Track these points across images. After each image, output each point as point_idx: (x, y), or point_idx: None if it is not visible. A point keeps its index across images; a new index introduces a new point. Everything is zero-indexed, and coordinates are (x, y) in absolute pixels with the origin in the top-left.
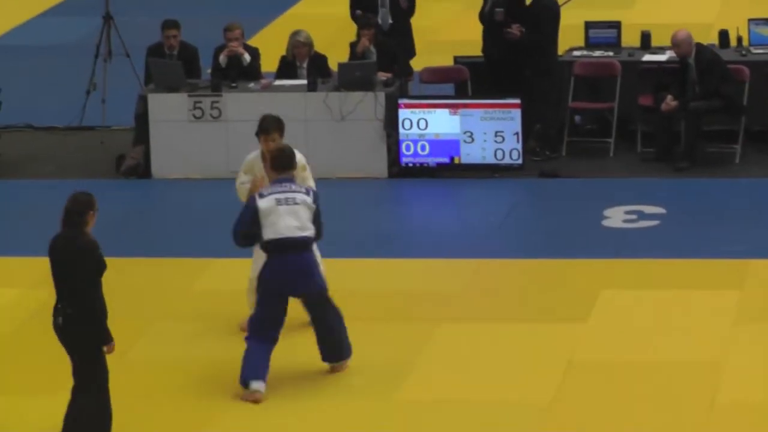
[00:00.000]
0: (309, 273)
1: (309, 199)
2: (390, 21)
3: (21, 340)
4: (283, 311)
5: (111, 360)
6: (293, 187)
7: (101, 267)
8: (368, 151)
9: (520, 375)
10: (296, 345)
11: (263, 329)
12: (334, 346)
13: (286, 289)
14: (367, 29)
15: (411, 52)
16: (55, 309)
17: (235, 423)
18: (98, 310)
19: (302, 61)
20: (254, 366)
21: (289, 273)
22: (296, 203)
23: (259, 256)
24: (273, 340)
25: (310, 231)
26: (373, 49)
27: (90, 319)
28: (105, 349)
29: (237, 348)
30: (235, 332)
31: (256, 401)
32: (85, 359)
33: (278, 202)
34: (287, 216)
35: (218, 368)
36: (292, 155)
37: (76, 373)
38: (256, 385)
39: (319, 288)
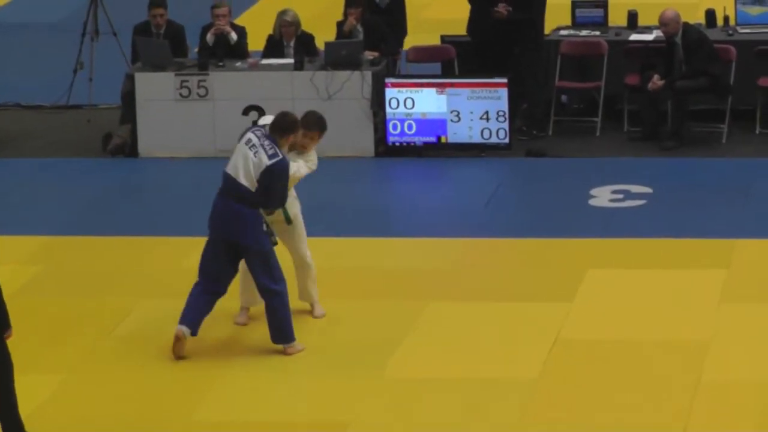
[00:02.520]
0: (242, 222)
1: (267, 162)
2: None
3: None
4: (227, 263)
5: (96, 339)
6: (267, 143)
7: None
8: (355, 130)
9: (506, 353)
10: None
11: (203, 275)
12: (274, 327)
13: (220, 231)
14: (354, 8)
15: (403, 31)
16: None
17: (221, 401)
18: None
19: (289, 40)
20: (184, 311)
21: (223, 214)
22: (255, 155)
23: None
24: (212, 293)
25: (249, 185)
26: (360, 27)
27: None
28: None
29: (224, 326)
30: (221, 310)
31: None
32: None
33: (246, 142)
34: (239, 156)
35: (205, 345)
36: (290, 124)
37: None
38: (178, 328)
39: (252, 243)
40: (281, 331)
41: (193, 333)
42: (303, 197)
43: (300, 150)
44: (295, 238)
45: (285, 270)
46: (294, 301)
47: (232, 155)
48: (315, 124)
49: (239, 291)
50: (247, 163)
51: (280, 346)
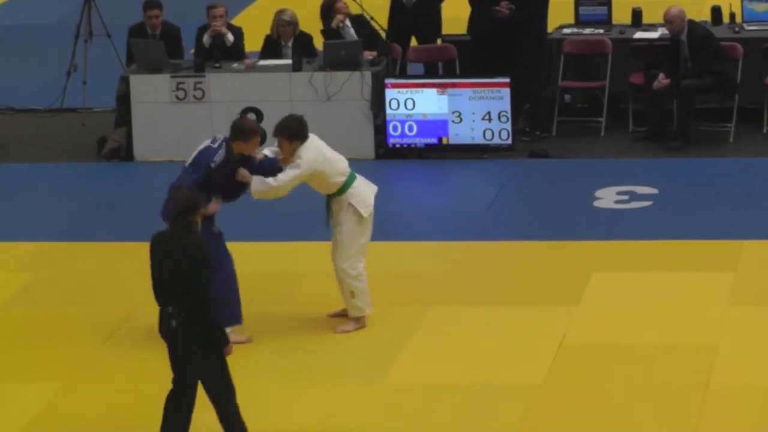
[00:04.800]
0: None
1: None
2: None
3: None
4: None
5: (93, 346)
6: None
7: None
8: (355, 132)
9: (510, 358)
10: (286, 329)
11: None
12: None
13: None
14: (341, 2)
15: (434, 32)
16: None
17: None
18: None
19: (287, 40)
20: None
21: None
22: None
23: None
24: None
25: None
26: (348, 23)
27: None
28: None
29: None
30: None
31: None
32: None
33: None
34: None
35: None
36: (248, 130)
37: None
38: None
39: None
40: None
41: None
42: (301, 200)
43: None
44: (335, 247)
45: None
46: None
47: None
48: (276, 128)
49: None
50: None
51: (282, 356)
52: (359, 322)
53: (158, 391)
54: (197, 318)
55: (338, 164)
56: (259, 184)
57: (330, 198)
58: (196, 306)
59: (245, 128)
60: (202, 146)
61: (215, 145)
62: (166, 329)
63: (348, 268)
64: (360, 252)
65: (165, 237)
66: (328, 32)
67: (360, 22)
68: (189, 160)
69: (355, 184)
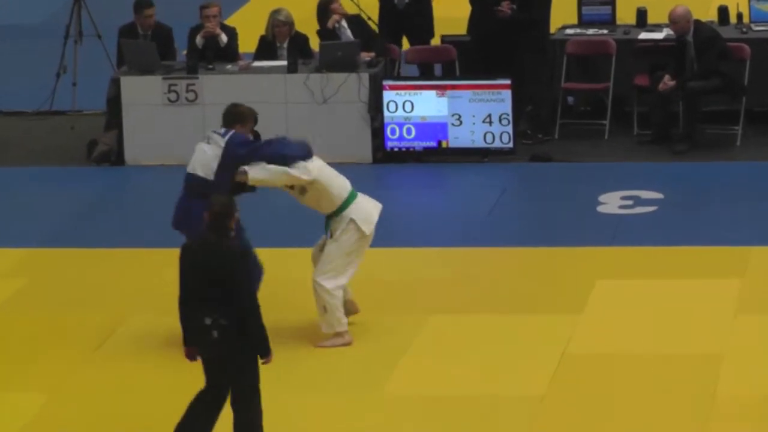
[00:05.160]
0: (187, 214)
1: (221, 140)
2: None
3: None
4: None
5: (82, 356)
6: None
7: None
8: (352, 135)
9: (512, 368)
10: (283, 338)
11: None
12: None
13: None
14: (336, 2)
15: (426, 34)
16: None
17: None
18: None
19: (282, 41)
20: None
21: (176, 209)
22: (209, 141)
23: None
24: None
25: (202, 171)
26: (344, 24)
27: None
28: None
29: None
30: None
31: None
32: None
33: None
34: (197, 151)
35: (195, 365)
36: (234, 113)
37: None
38: None
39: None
40: None
41: None
42: (297, 206)
43: None
44: (318, 258)
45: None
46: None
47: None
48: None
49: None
50: (204, 150)
51: (280, 365)
52: (342, 337)
53: (149, 402)
54: (240, 327)
55: (341, 179)
56: (258, 170)
57: (329, 218)
58: (241, 314)
59: (241, 112)
60: (210, 147)
61: (226, 137)
62: (205, 342)
63: (324, 282)
64: (344, 267)
65: (200, 245)
66: (324, 33)
67: (357, 22)
68: (212, 166)
69: (357, 200)
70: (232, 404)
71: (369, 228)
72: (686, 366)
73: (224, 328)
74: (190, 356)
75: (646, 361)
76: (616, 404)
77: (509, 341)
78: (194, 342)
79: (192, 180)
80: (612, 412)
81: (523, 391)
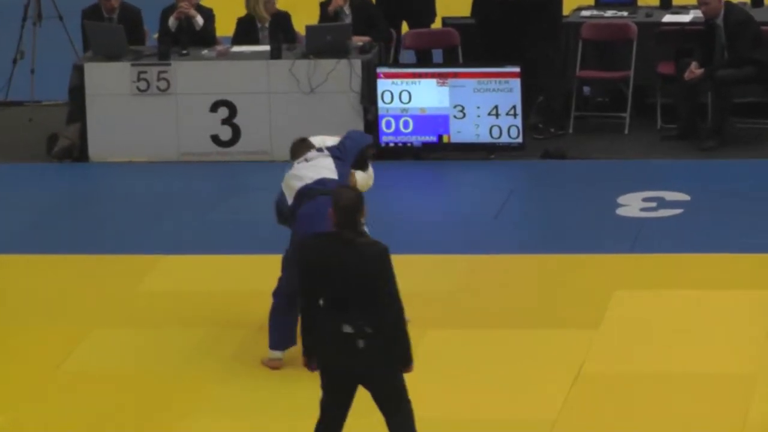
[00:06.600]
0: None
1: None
2: None
3: None
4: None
5: (41, 374)
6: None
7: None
8: (342, 129)
9: (520, 390)
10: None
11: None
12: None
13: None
14: None
15: (432, 15)
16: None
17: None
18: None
19: (264, 20)
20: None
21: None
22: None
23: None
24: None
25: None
26: (347, 10)
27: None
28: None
29: (187, 361)
30: (186, 342)
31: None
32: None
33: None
34: (309, 168)
35: (165, 384)
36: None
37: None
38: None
39: None
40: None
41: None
42: None
43: None
44: None
45: None
46: None
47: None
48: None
49: None
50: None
51: (265, 386)
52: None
53: (114, 424)
54: (386, 333)
55: None
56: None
57: None
58: (389, 319)
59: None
60: (315, 162)
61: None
62: (347, 352)
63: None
64: None
65: (329, 244)
66: (326, 20)
67: (361, 7)
68: (336, 152)
69: None
70: (385, 415)
71: None
72: (714, 387)
73: (370, 335)
74: (311, 366)
75: (669, 381)
76: (635, 429)
77: (517, 359)
78: (329, 353)
79: (330, 185)
80: None
81: (532, 415)
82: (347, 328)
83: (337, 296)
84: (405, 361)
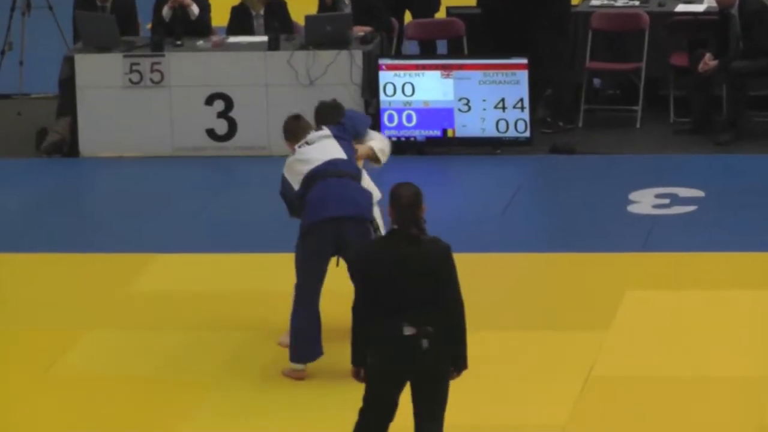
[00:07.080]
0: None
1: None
2: None
3: None
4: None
5: (30, 377)
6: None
7: None
8: None
9: (528, 393)
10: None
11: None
12: None
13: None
14: None
15: (436, 4)
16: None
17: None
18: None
19: (259, 8)
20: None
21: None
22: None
23: None
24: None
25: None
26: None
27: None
28: None
29: (182, 365)
30: (180, 344)
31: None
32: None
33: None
34: (317, 150)
35: (158, 387)
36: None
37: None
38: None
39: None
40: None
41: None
42: (279, 206)
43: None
44: None
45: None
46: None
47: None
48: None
49: None
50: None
51: (264, 389)
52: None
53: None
54: (449, 332)
55: None
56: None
57: None
58: (452, 319)
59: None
60: (319, 145)
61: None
62: (409, 355)
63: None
64: None
65: (392, 246)
66: (324, 9)
67: None
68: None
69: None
70: (421, 420)
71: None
72: (729, 391)
73: (432, 335)
74: (360, 376)
75: (682, 384)
76: None
77: (525, 362)
78: (387, 357)
79: (341, 165)
80: None
81: (541, 419)
82: (408, 330)
83: (398, 297)
84: (463, 364)
